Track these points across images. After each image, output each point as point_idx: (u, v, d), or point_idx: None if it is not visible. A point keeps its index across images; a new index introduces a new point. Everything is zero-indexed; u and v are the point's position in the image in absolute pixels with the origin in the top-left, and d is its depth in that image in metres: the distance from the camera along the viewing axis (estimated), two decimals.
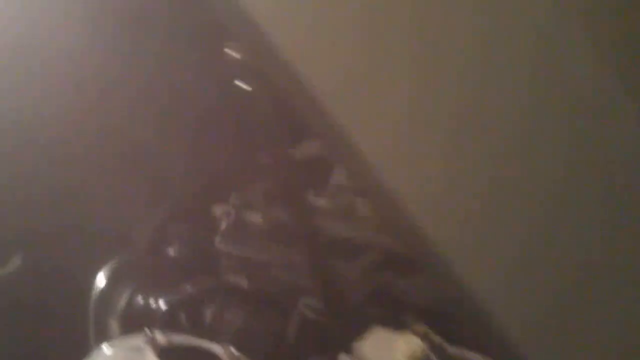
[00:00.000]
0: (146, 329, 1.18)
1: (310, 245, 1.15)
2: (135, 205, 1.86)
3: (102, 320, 1.43)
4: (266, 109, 1.04)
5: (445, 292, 1.02)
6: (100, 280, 1.44)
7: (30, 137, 1.64)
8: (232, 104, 1.33)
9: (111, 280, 1.44)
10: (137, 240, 1.77)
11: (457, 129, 0.86)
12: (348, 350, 1.21)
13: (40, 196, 1.70)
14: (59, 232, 1.72)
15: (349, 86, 0.79)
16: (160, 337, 1.18)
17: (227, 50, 1.01)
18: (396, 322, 1.32)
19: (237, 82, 1.01)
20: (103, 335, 1.43)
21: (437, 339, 1.15)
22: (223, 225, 1.82)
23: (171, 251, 1.56)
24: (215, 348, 1.19)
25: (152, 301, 1.41)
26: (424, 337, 1.14)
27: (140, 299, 1.43)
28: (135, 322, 1.42)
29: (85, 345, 1.45)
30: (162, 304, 1.38)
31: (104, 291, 1.44)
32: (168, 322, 1.34)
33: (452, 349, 1.15)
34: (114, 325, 1.43)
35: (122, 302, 1.44)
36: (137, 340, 1.18)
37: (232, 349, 1.18)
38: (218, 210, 1.91)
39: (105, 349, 1.18)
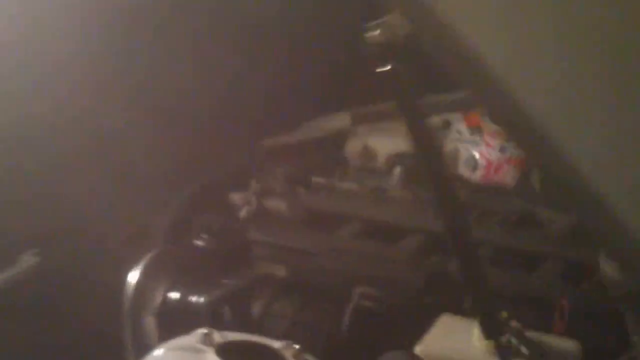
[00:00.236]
0: (201, 329, 1.09)
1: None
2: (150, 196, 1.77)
3: (137, 320, 1.34)
4: (407, 86, 0.96)
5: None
6: (133, 277, 1.34)
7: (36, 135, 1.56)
8: None
9: (144, 277, 1.34)
10: (156, 233, 1.68)
11: None
12: (414, 341, 1.14)
13: (52, 194, 1.62)
14: (75, 230, 1.63)
15: (517, 55, 0.72)
16: (217, 336, 1.09)
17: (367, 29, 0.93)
18: (458, 309, 1.25)
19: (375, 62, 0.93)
20: (139, 335, 1.34)
21: (517, 324, 1.08)
22: (243, 213, 1.74)
23: (200, 243, 1.46)
24: (276, 344, 1.10)
25: (191, 297, 1.31)
26: (504, 323, 1.07)
27: (177, 295, 1.33)
28: (174, 320, 1.33)
29: (119, 346, 1.36)
30: (202, 300, 1.29)
31: (137, 289, 1.34)
32: (213, 319, 1.25)
33: (532, 334, 1.08)
34: (150, 324, 1.34)
35: (157, 299, 1.34)
36: (191, 341, 1.08)
37: (295, 345, 1.10)
38: (237, 198, 1.83)
39: (158, 352, 1.08)
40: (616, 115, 0.78)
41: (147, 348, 1.33)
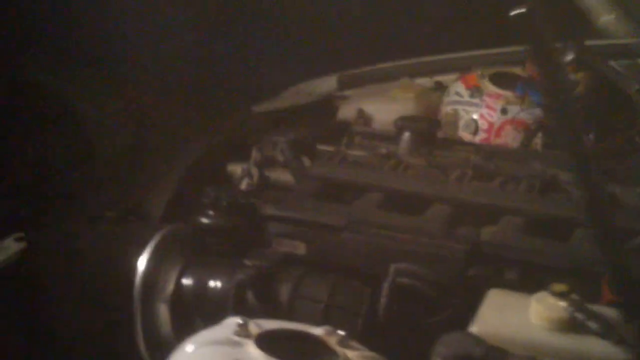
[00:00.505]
0: (235, 318, 0.98)
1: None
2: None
3: (148, 308, 1.22)
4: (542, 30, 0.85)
5: None
6: (143, 262, 1.23)
7: None
8: None
9: (154, 260, 1.23)
10: (151, 210, 1.56)
11: None
12: (463, 319, 1.05)
13: None
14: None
15: None
16: (253, 326, 0.98)
17: None
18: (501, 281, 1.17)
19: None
20: (152, 324, 1.23)
21: (578, 297, 1.00)
22: (244, 185, 1.62)
23: (209, 220, 1.35)
24: (317, 331, 1.01)
25: (211, 281, 1.20)
26: (564, 296, 0.99)
27: (192, 280, 1.22)
28: (189, 307, 1.22)
29: (129, 336, 1.25)
30: (225, 284, 1.18)
31: (146, 273, 1.22)
32: (238, 305, 1.15)
33: (594, 308, 1.00)
34: (164, 311, 1.23)
35: (170, 284, 1.23)
36: (224, 332, 0.98)
37: (338, 331, 1.00)
38: (235, 168, 1.70)
39: (189, 347, 0.97)
40: None
41: (161, 339, 1.23)
